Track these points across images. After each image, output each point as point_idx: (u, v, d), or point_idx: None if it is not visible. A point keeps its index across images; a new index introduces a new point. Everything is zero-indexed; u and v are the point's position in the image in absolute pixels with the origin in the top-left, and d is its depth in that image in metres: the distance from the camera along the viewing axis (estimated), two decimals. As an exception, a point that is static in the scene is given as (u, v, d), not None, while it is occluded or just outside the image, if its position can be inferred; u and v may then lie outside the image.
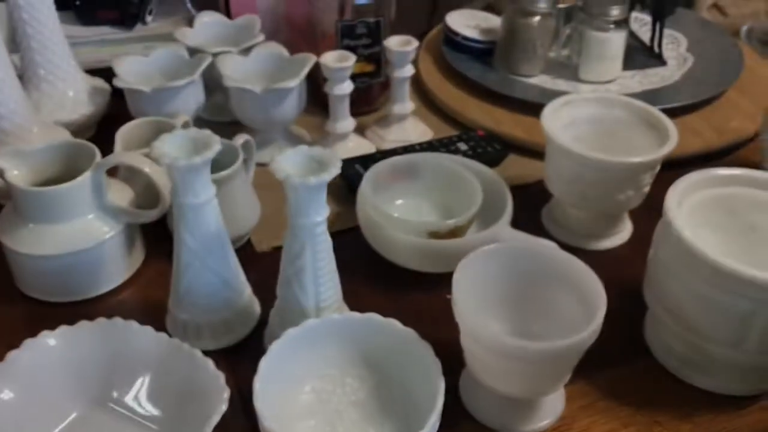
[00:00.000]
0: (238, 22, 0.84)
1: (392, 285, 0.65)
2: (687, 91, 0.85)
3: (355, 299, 0.60)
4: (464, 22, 0.94)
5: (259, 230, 0.69)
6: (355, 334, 0.53)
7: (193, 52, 0.79)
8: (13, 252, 0.62)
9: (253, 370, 0.51)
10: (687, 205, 0.55)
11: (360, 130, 0.82)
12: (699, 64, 0.90)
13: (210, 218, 0.54)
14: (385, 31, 0.81)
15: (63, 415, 0.52)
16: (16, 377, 0.51)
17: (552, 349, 0.46)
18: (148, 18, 0.94)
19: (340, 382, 0.54)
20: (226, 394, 0.49)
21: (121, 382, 0.53)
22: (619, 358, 0.58)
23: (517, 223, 0.64)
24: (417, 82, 0.90)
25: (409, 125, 0.83)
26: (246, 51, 0.79)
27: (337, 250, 0.55)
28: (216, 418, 0.47)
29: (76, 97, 0.79)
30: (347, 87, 0.76)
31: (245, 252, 0.67)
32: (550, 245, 0.60)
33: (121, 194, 0.64)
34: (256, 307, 0.61)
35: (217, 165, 0.58)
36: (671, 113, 0.68)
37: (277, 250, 0.68)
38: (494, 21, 0.94)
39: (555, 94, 0.84)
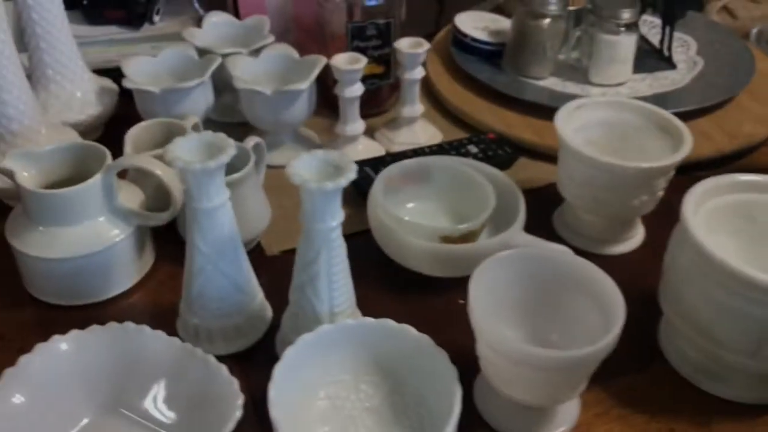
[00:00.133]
0: (247, 23, 0.84)
1: (403, 289, 0.65)
2: (697, 94, 0.85)
3: (365, 303, 0.59)
4: (473, 24, 0.93)
5: (269, 233, 0.69)
6: (368, 340, 0.53)
7: (202, 52, 0.78)
8: (22, 254, 0.61)
9: (265, 374, 0.51)
10: (704, 210, 0.55)
11: (369, 133, 0.81)
12: (709, 67, 0.89)
13: (223, 222, 0.53)
14: (395, 32, 0.81)
15: (74, 421, 0.52)
16: (27, 382, 0.50)
17: (571, 358, 0.46)
18: (156, 18, 0.93)
19: (354, 388, 0.53)
20: (241, 400, 0.48)
21: (133, 388, 0.52)
22: (634, 364, 0.58)
23: (528, 227, 0.64)
24: (426, 84, 0.90)
25: (419, 128, 0.82)
26: (255, 52, 0.79)
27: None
28: (231, 426, 0.47)
29: (84, 97, 0.78)
30: (358, 89, 0.75)
31: (255, 255, 0.67)
32: (564, 251, 0.59)
33: (131, 196, 0.64)
34: (268, 312, 0.61)
35: (227, 167, 0.58)
36: (682, 117, 0.67)
37: (287, 254, 0.68)
38: (503, 23, 0.93)
39: (565, 96, 0.84)
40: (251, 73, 0.76)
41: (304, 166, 0.50)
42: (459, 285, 0.64)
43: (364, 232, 0.67)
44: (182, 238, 0.67)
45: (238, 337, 0.58)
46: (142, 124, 0.70)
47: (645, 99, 0.72)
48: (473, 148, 0.77)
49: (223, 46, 0.80)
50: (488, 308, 0.49)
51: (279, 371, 0.49)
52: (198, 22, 0.90)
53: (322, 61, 0.76)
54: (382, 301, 0.63)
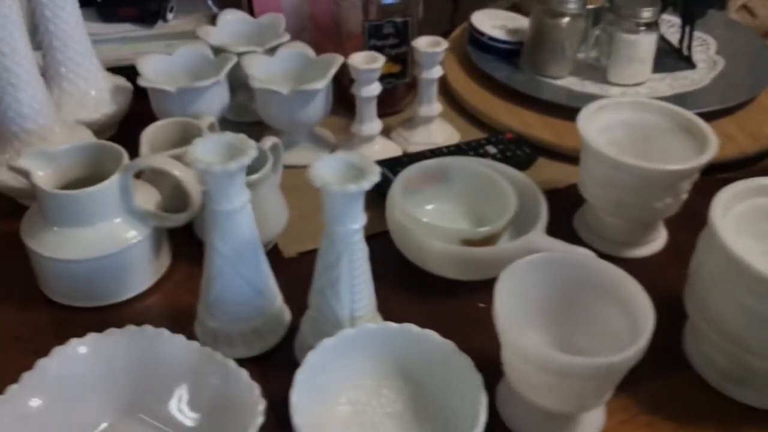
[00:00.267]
0: (262, 21, 0.83)
1: (421, 292, 0.64)
2: (718, 94, 0.83)
3: (383, 306, 0.58)
4: (490, 22, 0.92)
5: (286, 235, 0.68)
6: (390, 345, 0.52)
7: (217, 50, 0.77)
8: (37, 255, 0.60)
9: (284, 378, 0.50)
10: (732, 214, 0.54)
11: (385, 132, 0.80)
12: (730, 66, 0.88)
13: (243, 225, 0.53)
14: (412, 31, 0.80)
15: (93, 425, 0.51)
16: (45, 385, 0.50)
17: (601, 366, 0.45)
18: (169, 15, 0.92)
19: (376, 393, 0.52)
20: (262, 406, 0.48)
21: (152, 392, 0.51)
22: (658, 370, 0.57)
23: (547, 230, 0.63)
24: (442, 83, 0.88)
25: (436, 127, 0.81)
26: (271, 51, 0.78)
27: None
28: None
29: (98, 96, 0.78)
30: (375, 88, 0.74)
31: (272, 257, 0.65)
32: (588, 254, 0.58)
33: (147, 197, 0.63)
34: (287, 315, 0.60)
35: (244, 168, 0.57)
36: (703, 118, 0.66)
37: (305, 255, 0.67)
38: (520, 21, 0.92)
39: (583, 96, 0.83)
40: (267, 72, 0.75)
41: (325, 169, 0.49)
42: (479, 288, 0.63)
43: (381, 233, 0.66)
44: (199, 239, 0.66)
45: (257, 341, 0.57)
46: (158, 123, 0.69)
47: (665, 99, 0.71)
48: (492, 149, 0.76)
49: (237, 44, 0.79)
50: (513, 313, 0.48)
51: (301, 376, 0.48)
52: (211, 20, 0.90)
53: (339, 60, 0.75)
54: (401, 304, 0.62)
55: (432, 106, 0.79)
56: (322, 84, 0.72)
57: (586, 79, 0.87)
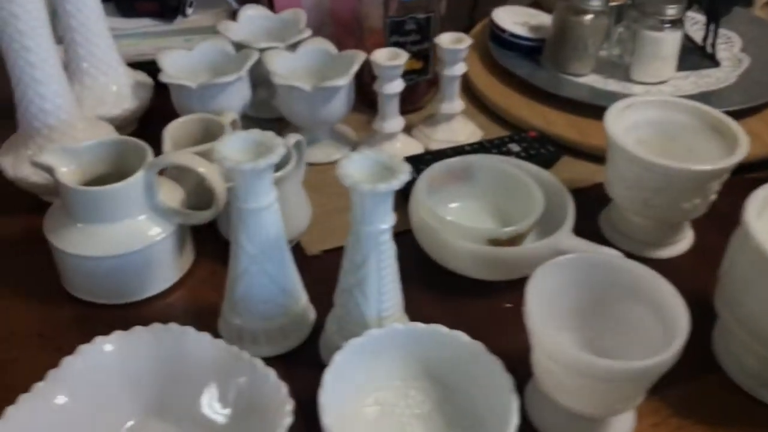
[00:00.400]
0: (283, 17, 0.82)
1: (445, 291, 0.63)
2: (743, 93, 0.82)
3: (406, 305, 0.57)
4: (511, 19, 0.91)
5: (309, 232, 0.67)
6: (418, 345, 0.52)
7: (238, 46, 0.77)
8: (60, 252, 0.60)
9: (309, 377, 0.50)
10: (767, 215, 0.53)
11: (406, 129, 0.80)
12: (755, 64, 0.87)
13: (270, 223, 0.52)
14: (434, 27, 0.79)
15: (119, 423, 0.51)
16: (71, 383, 0.49)
17: (636, 369, 0.44)
18: (189, 10, 0.92)
19: (403, 394, 0.52)
20: (290, 406, 0.47)
21: (178, 391, 0.51)
22: (689, 372, 0.56)
23: (573, 229, 0.62)
24: (463, 80, 0.87)
25: (458, 125, 0.80)
26: (292, 47, 0.77)
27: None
28: (281, 432, 0.46)
29: (119, 91, 0.77)
30: (398, 85, 0.74)
31: (294, 255, 0.65)
32: (615, 254, 0.58)
33: (171, 194, 0.63)
34: (312, 314, 0.59)
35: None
36: (729, 116, 0.65)
37: (328, 253, 0.67)
38: (542, 18, 0.91)
39: (606, 94, 0.82)
40: (288, 68, 0.75)
41: (354, 167, 0.48)
42: (503, 288, 0.62)
43: (403, 232, 0.65)
44: (221, 236, 0.66)
45: (281, 339, 0.57)
46: (180, 119, 0.69)
47: (689, 98, 0.70)
48: (515, 147, 0.76)
49: (258, 40, 0.78)
50: (543, 314, 0.48)
51: (329, 376, 0.48)
52: (231, 15, 0.89)
53: (361, 56, 0.74)
54: (424, 304, 0.61)
55: (454, 103, 0.79)
56: (345, 80, 0.72)
57: (609, 77, 0.86)
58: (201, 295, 0.63)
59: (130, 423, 0.51)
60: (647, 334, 0.49)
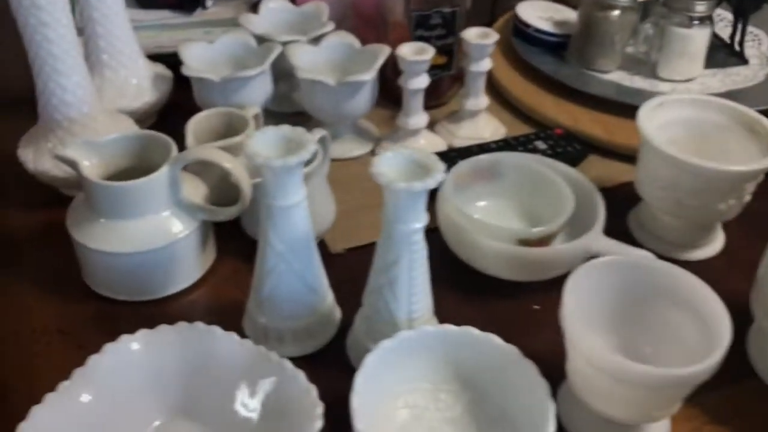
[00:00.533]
0: (305, 9, 0.81)
1: (472, 292, 0.62)
2: (773, 91, 0.81)
3: (435, 305, 0.56)
4: (536, 14, 0.90)
5: (333, 230, 0.66)
6: (449, 348, 0.50)
7: (259, 39, 0.75)
8: (83, 247, 0.59)
9: (336, 378, 0.49)
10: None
11: (429, 125, 0.78)
12: (784, 63, 0.86)
13: (299, 221, 0.51)
14: (460, 22, 0.78)
15: (144, 423, 0.50)
16: (96, 381, 0.48)
17: (677, 377, 0.43)
18: (209, 2, 0.91)
19: (433, 397, 0.51)
20: (320, 409, 0.46)
21: (206, 391, 0.50)
22: (724, 377, 0.54)
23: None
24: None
25: (482, 121, 0.79)
26: (315, 40, 0.76)
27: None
28: (311, 436, 0.45)
29: (139, 84, 0.76)
30: (423, 81, 0.72)
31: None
32: (647, 256, 0.56)
33: (195, 190, 0.62)
34: (338, 313, 0.58)
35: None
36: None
37: (352, 252, 0.66)
38: (567, 13, 0.90)
39: (632, 91, 0.81)
40: (311, 62, 0.74)
41: (388, 165, 0.47)
42: (531, 289, 0.61)
43: (429, 230, 0.64)
44: (245, 233, 0.65)
45: (307, 339, 0.56)
46: (202, 113, 0.67)
47: (717, 96, 0.69)
48: (541, 144, 0.74)
49: (280, 33, 0.77)
50: (580, 317, 0.47)
51: (360, 379, 0.47)
52: (251, 8, 0.88)
53: (385, 50, 0.73)
54: (451, 303, 0.60)
55: (479, 99, 0.77)
56: (369, 75, 0.70)
57: (635, 74, 0.84)
58: (224, 293, 0.62)
59: (156, 423, 0.50)
60: (686, 339, 0.48)
